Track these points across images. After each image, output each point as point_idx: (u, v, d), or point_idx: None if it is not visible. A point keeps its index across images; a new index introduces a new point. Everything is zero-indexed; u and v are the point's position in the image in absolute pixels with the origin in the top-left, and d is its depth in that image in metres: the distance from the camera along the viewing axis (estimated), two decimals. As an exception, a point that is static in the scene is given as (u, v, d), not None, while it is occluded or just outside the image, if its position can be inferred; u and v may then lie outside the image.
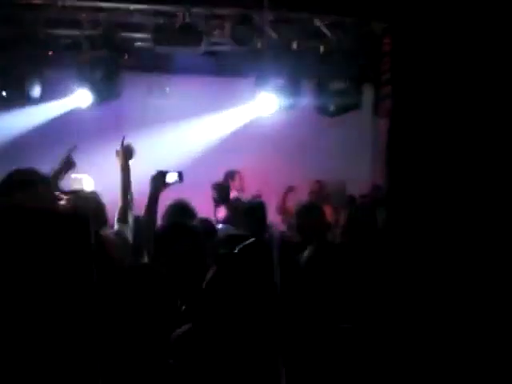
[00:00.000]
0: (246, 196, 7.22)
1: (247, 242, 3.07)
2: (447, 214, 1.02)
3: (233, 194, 7.31)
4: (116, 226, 4.49)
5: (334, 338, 2.66)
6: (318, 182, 8.34)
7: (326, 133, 8.56)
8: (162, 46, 7.46)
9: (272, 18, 7.59)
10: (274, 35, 7.66)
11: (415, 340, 1.03)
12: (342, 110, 7.87)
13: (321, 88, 7.84)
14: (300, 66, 7.73)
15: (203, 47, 7.46)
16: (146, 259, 4.38)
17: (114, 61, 7.52)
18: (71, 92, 7.54)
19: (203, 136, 8.30)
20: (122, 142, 4.61)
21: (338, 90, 7.77)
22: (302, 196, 7.40)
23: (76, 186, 4.79)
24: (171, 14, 7.40)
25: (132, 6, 7.44)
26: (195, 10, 7.37)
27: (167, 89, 8.38)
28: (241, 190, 7.68)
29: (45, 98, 7.56)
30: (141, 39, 7.70)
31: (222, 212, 6.90)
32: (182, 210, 4.96)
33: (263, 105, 7.83)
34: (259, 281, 2.85)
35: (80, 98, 7.56)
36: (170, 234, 3.93)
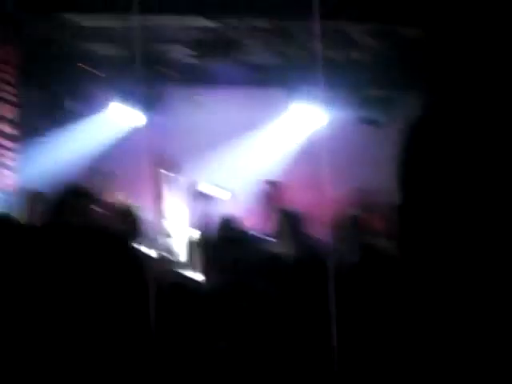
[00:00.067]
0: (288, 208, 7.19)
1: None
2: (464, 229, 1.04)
3: (273, 205, 7.30)
4: (159, 240, 4.61)
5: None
6: (362, 191, 8.28)
7: (371, 143, 8.51)
8: (202, 60, 7.57)
9: (308, 29, 7.60)
10: (310, 46, 7.68)
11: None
12: (386, 119, 7.83)
13: (363, 98, 7.82)
14: (339, 76, 7.74)
15: (242, 59, 7.54)
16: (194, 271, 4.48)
17: (156, 76, 7.63)
18: (111, 107, 7.68)
19: (245, 148, 8.34)
20: (162, 157, 4.72)
21: (382, 100, 7.75)
22: (348, 208, 7.35)
23: (121, 200, 4.90)
24: (210, 27, 7.50)
25: (171, 21, 7.56)
26: (234, 23, 7.45)
27: (203, 100, 8.46)
28: (281, 200, 7.63)
29: (85, 113, 7.69)
30: (180, 53, 7.81)
31: (268, 224, 6.92)
32: (229, 223, 5.03)
33: (304, 116, 7.88)
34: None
35: (122, 113, 7.76)
36: (214, 245, 4.03)
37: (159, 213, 4.67)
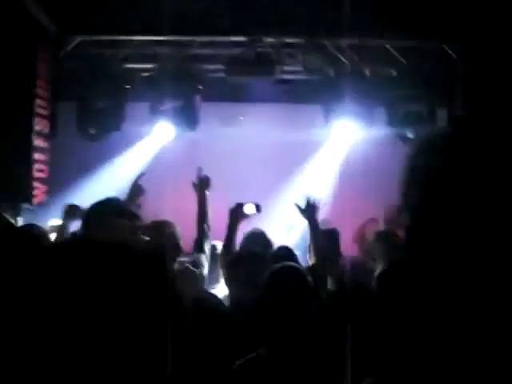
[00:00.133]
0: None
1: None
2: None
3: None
4: (192, 255, 4.56)
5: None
6: (393, 206, 8.17)
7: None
8: (236, 76, 7.58)
9: (344, 45, 7.59)
10: (346, 62, 7.65)
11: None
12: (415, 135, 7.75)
13: (396, 114, 7.75)
14: (374, 92, 7.69)
15: (276, 76, 7.53)
16: (220, 286, 4.43)
17: (190, 92, 7.64)
18: (149, 124, 7.71)
19: (278, 165, 8.30)
20: (199, 174, 4.68)
21: (414, 116, 7.67)
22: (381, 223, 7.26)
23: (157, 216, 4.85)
24: (244, 44, 7.50)
25: (206, 38, 7.60)
26: (267, 39, 7.46)
27: (241, 118, 8.46)
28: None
29: (125, 131, 7.71)
30: (215, 70, 7.84)
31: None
32: (257, 238, 4.98)
33: (338, 132, 7.83)
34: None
35: (160, 131, 7.79)
36: (240, 260, 3.97)
37: (197, 228, 4.60)
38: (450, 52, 7.52)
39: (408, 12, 7.00)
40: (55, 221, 5.45)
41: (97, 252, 2.80)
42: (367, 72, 7.70)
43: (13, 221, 5.41)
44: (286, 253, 4.50)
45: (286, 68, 7.74)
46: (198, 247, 4.64)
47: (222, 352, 3.19)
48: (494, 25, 6.54)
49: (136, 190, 4.53)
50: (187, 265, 4.37)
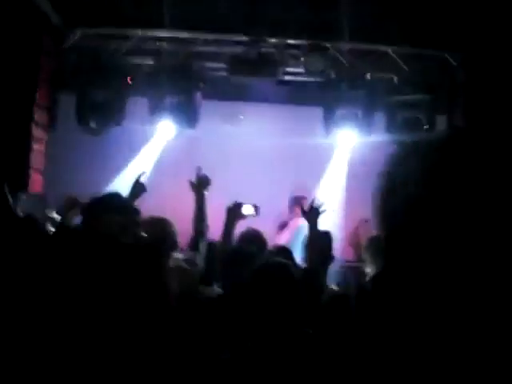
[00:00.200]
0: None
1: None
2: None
3: (297, 221, 7.23)
4: (187, 253, 4.58)
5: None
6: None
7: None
8: (237, 76, 7.59)
9: (346, 49, 7.62)
10: (348, 65, 7.68)
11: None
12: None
13: (395, 120, 7.77)
14: (373, 96, 7.72)
15: (278, 77, 7.55)
16: (216, 286, 4.45)
17: (191, 90, 7.65)
18: (150, 120, 7.71)
19: (277, 164, 8.30)
20: (198, 173, 4.71)
21: (413, 122, 7.69)
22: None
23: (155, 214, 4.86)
24: (246, 43, 7.51)
25: (208, 36, 7.61)
26: (270, 39, 7.48)
27: (241, 117, 8.47)
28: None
29: (125, 126, 7.70)
30: (216, 69, 7.85)
31: (282, 238, 6.85)
32: (252, 238, 5.00)
33: (337, 135, 7.85)
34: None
35: (161, 129, 7.83)
36: (234, 259, 4.01)
37: (193, 227, 4.63)
38: (450, 60, 7.55)
39: (411, 19, 7.03)
40: (51, 212, 5.45)
41: (95, 242, 2.84)
42: (368, 76, 7.73)
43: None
44: (284, 254, 4.52)
45: (288, 69, 7.75)
46: (194, 245, 4.67)
47: (208, 344, 3.21)
48: (495, 34, 6.58)
49: (138, 188, 4.55)
50: (181, 262, 4.39)
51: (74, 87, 7.54)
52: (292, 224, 7.17)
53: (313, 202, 4.79)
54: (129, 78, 7.61)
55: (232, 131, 8.25)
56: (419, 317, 0.99)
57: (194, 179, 4.78)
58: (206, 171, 4.85)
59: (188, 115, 7.59)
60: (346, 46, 7.54)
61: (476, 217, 0.93)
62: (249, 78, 7.64)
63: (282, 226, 7.18)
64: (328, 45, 7.42)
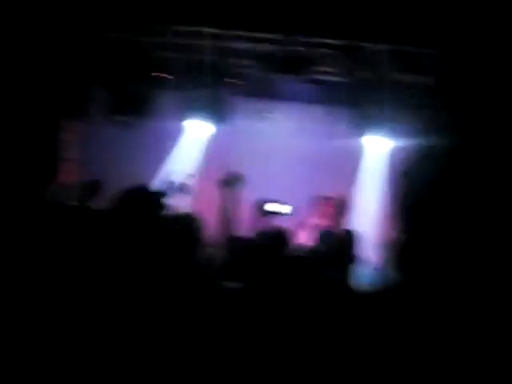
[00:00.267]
0: (334, 225, 7.06)
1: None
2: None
3: (314, 221, 7.21)
4: (210, 249, 4.61)
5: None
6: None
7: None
8: (268, 73, 7.60)
9: (379, 50, 7.56)
10: (379, 66, 7.62)
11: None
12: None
13: (430, 123, 7.70)
14: (404, 98, 7.66)
15: (310, 76, 7.54)
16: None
17: (222, 86, 7.67)
18: (181, 115, 7.75)
19: (304, 163, 8.28)
20: (228, 171, 4.73)
21: (447, 126, 7.62)
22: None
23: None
24: (279, 41, 7.51)
25: (241, 33, 7.61)
26: (303, 38, 7.46)
27: (270, 115, 8.46)
28: (324, 217, 7.32)
29: (157, 120, 7.75)
30: (248, 66, 7.86)
31: (301, 237, 6.85)
32: (274, 234, 4.99)
33: (366, 137, 7.85)
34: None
35: (193, 125, 7.85)
36: (252, 253, 4.04)
37: (220, 224, 4.66)
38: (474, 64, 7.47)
39: (444, 21, 6.97)
40: None
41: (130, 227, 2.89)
42: (398, 78, 7.67)
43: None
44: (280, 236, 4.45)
45: (319, 68, 7.73)
46: (217, 241, 4.70)
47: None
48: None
49: (178, 188, 4.57)
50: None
51: (107, 80, 7.61)
52: (310, 223, 7.17)
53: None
54: (161, 73, 7.64)
55: (260, 128, 8.25)
56: (442, 316, 1.00)
57: (223, 176, 4.81)
58: (232, 168, 4.86)
59: (218, 111, 7.62)
60: (381, 47, 7.49)
61: (485, 215, 0.94)
62: (280, 76, 7.65)
63: (301, 224, 7.16)
64: (363, 45, 7.38)
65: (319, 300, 3.01)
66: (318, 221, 7.18)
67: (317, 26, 7.31)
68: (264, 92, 8.25)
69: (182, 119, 7.76)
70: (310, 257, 3.26)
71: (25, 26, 6.44)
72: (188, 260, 3.15)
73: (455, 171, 1.05)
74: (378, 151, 8.06)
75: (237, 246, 4.53)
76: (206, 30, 7.52)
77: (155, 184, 4.67)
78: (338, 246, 4.94)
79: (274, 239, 4.61)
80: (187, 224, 3.12)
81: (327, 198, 7.29)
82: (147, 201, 3.71)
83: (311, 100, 8.28)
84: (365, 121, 7.67)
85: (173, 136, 8.05)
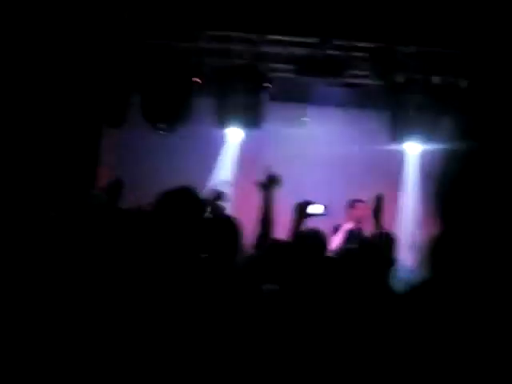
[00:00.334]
0: (366, 228, 7.04)
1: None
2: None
3: (349, 225, 7.19)
4: (252, 252, 4.62)
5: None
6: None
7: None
8: (303, 77, 7.61)
9: (413, 52, 7.54)
10: (414, 69, 7.60)
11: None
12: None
13: (463, 125, 7.64)
14: (440, 101, 7.61)
15: (344, 79, 7.55)
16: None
17: (257, 90, 7.70)
18: (216, 120, 7.80)
19: (342, 169, 8.27)
20: (268, 173, 4.73)
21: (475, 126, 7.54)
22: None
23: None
24: (314, 44, 7.53)
25: (275, 37, 7.64)
26: (337, 41, 7.47)
27: (306, 119, 8.48)
28: (360, 220, 7.23)
29: (191, 126, 7.81)
30: (283, 70, 7.88)
31: (334, 241, 6.83)
32: (311, 237, 5.00)
33: (404, 141, 7.81)
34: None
35: (229, 131, 7.92)
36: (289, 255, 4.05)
37: (259, 226, 4.67)
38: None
39: (480, 23, 6.92)
40: None
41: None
42: (435, 81, 7.63)
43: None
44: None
45: (355, 72, 7.73)
46: (259, 245, 4.70)
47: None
48: None
49: (219, 197, 4.59)
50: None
51: (143, 86, 7.69)
52: (344, 227, 7.15)
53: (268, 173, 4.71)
54: (197, 79, 7.70)
55: (297, 133, 8.27)
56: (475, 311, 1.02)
57: (262, 179, 4.81)
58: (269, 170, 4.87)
59: (254, 116, 7.64)
60: (412, 49, 7.46)
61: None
62: (315, 80, 7.67)
63: (336, 229, 7.16)
64: (395, 48, 7.36)
65: (359, 302, 3.03)
66: (351, 224, 7.17)
67: (351, 29, 7.31)
68: (300, 96, 8.27)
69: (219, 125, 7.80)
70: (346, 259, 3.27)
71: (71, 37, 6.56)
72: (229, 263, 3.19)
73: (486, 173, 1.07)
74: (411, 154, 8.04)
75: (276, 248, 4.53)
76: (241, 34, 7.57)
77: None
78: (371, 248, 4.92)
79: (315, 241, 4.62)
80: (227, 227, 3.15)
81: (360, 201, 7.27)
82: (189, 203, 3.75)
83: (347, 104, 8.28)
84: (399, 124, 7.64)
85: (211, 143, 8.10)
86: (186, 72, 7.69)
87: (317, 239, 4.66)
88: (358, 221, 7.15)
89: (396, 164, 8.15)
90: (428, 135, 7.56)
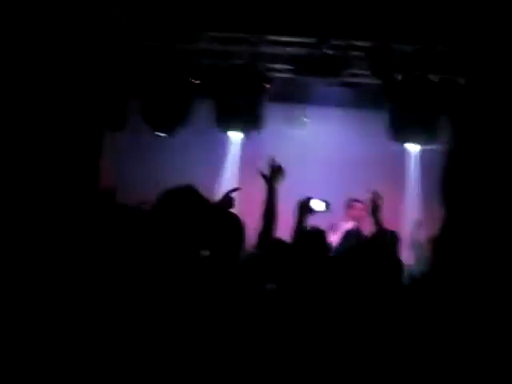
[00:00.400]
0: (365, 227, 7.06)
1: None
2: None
3: (348, 224, 7.21)
4: (254, 250, 4.63)
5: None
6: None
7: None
8: (302, 77, 7.62)
9: (411, 50, 7.55)
10: (412, 67, 7.61)
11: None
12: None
13: (461, 124, 7.65)
14: (439, 99, 7.62)
15: (343, 79, 7.56)
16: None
17: (256, 91, 7.71)
18: (215, 121, 7.81)
19: (342, 169, 8.29)
20: (272, 164, 4.73)
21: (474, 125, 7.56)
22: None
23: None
24: (312, 44, 7.54)
25: (274, 37, 7.65)
26: (335, 41, 7.48)
27: (307, 119, 8.49)
28: (358, 220, 7.29)
29: (191, 127, 7.83)
30: (281, 70, 7.89)
31: (334, 238, 6.86)
32: (311, 236, 5.01)
33: (403, 140, 7.82)
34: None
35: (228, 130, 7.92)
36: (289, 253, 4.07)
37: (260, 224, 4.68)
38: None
39: (478, 20, 6.93)
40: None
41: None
42: (434, 78, 7.64)
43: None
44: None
45: (353, 71, 7.74)
46: (261, 242, 4.70)
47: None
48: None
49: (227, 202, 4.60)
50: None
51: (142, 89, 7.70)
52: (342, 227, 7.17)
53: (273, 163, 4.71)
54: (194, 80, 7.71)
55: (297, 133, 8.28)
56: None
57: (264, 171, 4.79)
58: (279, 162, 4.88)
59: (253, 117, 7.65)
60: (410, 47, 7.48)
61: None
62: (314, 80, 7.68)
63: (332, 226, 7.17)
64: (394, 46, 7.37)
65: (369, 302, 3.04)
66: (349, 224, 7.19)
67: (348, 28, 7.32)
68: (299, 97, 8.28)
69: (219, 126, 7.81)
70: (352, 259, 3.28)
71: (71, 40, 6.58)
72: (231, 262, 3.20)
73: (487, 171, 1.11)
74: (411, 153, 8.06)
75: (278, 247, 4.54)
76: (239, 35, 7.58)
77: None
78: (368, 246, 4.93)
79: (316, 239, 4.63)
80: (230, 225, 3.17)
81: (357, 201, 7.29)
82: (192, 200, 3.76)
83: (346, 103, 8.29)
84: (398, 124, 7.65)
85: (212, 144, 8.12)
86: (185, 73, 7.70)
87: (320, 239, 4.67)
88: (357, 220, 7.17)
89: (396, 164, 8.17)
90: (428, 134, 7.58)
